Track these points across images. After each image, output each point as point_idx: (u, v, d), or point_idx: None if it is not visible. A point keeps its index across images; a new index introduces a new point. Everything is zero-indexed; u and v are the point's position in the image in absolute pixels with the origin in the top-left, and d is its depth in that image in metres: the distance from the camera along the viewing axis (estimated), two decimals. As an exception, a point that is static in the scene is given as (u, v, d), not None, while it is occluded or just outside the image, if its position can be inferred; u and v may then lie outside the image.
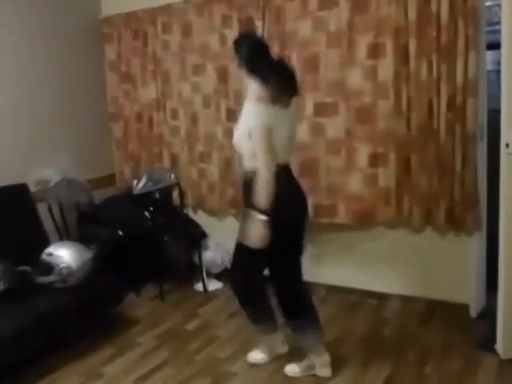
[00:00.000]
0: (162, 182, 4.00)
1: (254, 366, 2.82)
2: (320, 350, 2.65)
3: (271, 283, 2.66)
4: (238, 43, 2.55)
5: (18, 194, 3.46)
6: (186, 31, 3.85)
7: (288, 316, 2.65)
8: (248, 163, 2.45)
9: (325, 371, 2.65)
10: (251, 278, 2.66)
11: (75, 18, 4.09)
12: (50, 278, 2.98)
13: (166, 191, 4.06)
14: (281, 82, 2.43)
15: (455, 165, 3.06)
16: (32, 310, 2.76)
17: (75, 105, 4.06)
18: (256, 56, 2.47)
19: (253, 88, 2.42)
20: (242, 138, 2.44)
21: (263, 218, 2.30)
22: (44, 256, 3.04)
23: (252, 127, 2.35)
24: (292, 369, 2.71)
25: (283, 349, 2.84)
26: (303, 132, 3.47)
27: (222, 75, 3.75)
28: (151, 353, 2.99)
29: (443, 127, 3.05)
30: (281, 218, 2.35)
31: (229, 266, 2.80)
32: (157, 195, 3.99)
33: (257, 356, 2.85)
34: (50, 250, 3.07)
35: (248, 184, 2.43)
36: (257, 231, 2.34)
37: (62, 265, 2.99)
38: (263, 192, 2.30)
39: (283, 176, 2.40)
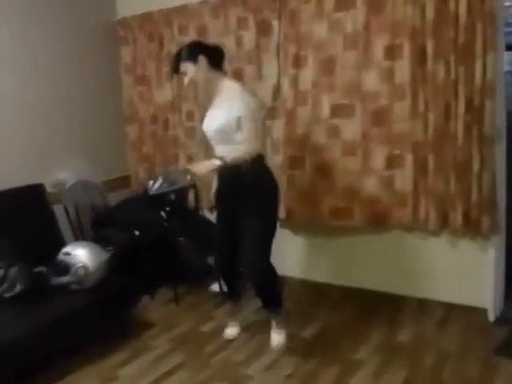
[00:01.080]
0: (177, 183, 4.00)
1: (269, 369, 2.81)
2: None
3: None
4: (195, 53, 2.75)
5: (35, 194, 3.48)
6: (202, 33, 3.85)
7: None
8: (228, 153, 2.69)
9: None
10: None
11: (91, 20, 4.12)
12: (66, 279, 2.99)
13: (182, 192, 4.05)
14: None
15: (473, 167, 3.02)
16: (48, 312, 2.77)
17: (91, 107, 4.09)
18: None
19: (230, 85, 2.80)
20: (228, 127, 2.69)
21: (218, 162, 2.68)
22: (61, 255, 3.05)
23: (246, 116, 2.65)
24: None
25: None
26: (319, 134, 3.46)
27: (238, 77, 3.73)
28: (166, 356, 2.99)
29: (461, 129, 3.01)
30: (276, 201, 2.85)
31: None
32: (172, 196, 3.98)
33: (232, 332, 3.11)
34: (67, 249, 3.09)
35: (228, 175, 2.78)
36: (208, 167, 2.75)
37: (79, 264, 3.00)
38: (234, 157, 2.66)
39: (265, 165, 2.84)
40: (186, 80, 2.81)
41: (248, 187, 2.76)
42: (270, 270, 2.91)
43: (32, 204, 3.43)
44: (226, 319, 3.25)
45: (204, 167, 2.78)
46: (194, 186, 4.05)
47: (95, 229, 3.90)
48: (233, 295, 3.24)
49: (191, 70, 2.76)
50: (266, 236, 2.86)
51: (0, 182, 3.27)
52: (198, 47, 2.81)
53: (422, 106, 3.13)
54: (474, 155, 3.01)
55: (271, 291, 2.97)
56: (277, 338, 3.01)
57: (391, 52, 3.17)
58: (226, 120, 2.70)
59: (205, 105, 2.98)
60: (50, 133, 3.78)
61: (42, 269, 3.03)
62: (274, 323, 3.03)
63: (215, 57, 2.80)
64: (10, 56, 3.50)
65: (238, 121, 2.67)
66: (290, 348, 2.98)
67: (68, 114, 3.91)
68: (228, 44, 3.73)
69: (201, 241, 4.01)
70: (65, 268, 3.01)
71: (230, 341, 3.13)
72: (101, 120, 4.18)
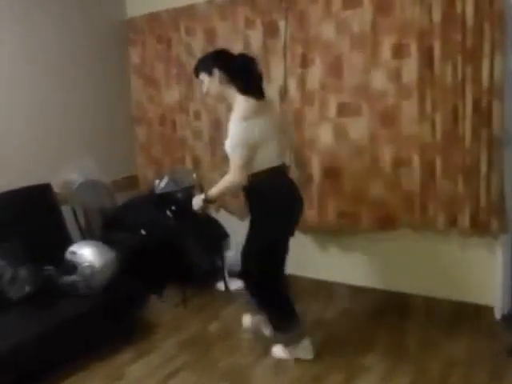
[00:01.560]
0: (184, 183, 4.02)
1: (277, 370, 2.81)
2: None
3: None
4: (211, 66, 2.73)
5: (42, 194, 3.50)
6: (210, 35, 3.85)
7: None
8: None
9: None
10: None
11: (101, 20, 4.14)
12: (74, 278, 3.01)
13: (188, 192, 4.07)
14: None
15: (480, 169, 3.00)
16: (55, 314, 2.81)
17: (100, 107, 4.11)
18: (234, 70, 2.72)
19: (239, 103, 2.69)
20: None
21: (203, 197, 2.81)
22: (67, 254, 3.08)
23: (233, 144, 2.67)
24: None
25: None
26: (326, 135, 3.45)
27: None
28: (173, 357, 3.00)
29: (468, 130, 2.99)
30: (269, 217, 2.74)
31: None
32: (179, 195, 4.00)
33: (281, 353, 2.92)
34: (73, 248, 3.11)
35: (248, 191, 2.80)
36: (197, 202, 2.83)
37: (86, 263, 3.03)
38: (221, 188, 2.77)
39: (273, 178, 2.74)
40: (203, 88, 2.83)
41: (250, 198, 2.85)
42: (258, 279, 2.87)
43: (40, 204, 3.45)
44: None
45: (195, 203, 2.86)
46: (200, 185, 4.08)
47: (103, 230, 3.91)
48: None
49: (206, 81, 2.78)
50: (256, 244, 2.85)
51: (8, 181, 3.30)
52: (216, 60, 2.76)
53: (429, 108, 3.11)
54: (482, 157, 2.99)
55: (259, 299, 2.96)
56: (275, 349, 2.96)
57: (398, 51, 3.15)
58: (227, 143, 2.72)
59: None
60: (59, 133, 3.81)
61: (50, 269, 3.05)
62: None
63: (235, 72, 2.71)
64: (21, 57, 3.53)
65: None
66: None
67: (77, 114, 3.94)
68: (236, 46, 3.73)
69: (207, 240, 4.03)
70: (72, 267, 3.03)
71: (238, 343, 3.13)
72: (110, 121, 4.21)
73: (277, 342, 2.93)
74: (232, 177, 2.70)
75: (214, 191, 2.78)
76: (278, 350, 2.93)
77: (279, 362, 2.90)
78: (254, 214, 2.84)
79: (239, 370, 2.84)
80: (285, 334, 2.86)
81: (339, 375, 2.74)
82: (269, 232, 2.77)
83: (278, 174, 2.79)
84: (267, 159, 2.72)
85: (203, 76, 2.78)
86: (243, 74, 2.72)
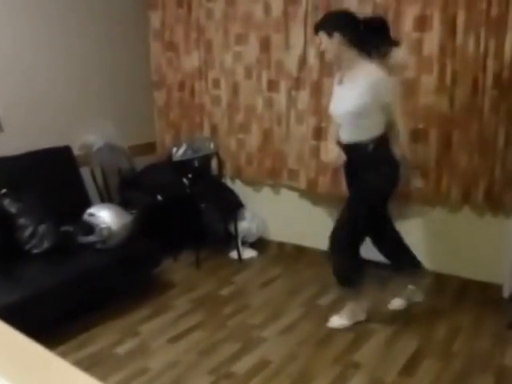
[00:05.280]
0: (201, 151, 4.06)
1: (283, 333, 2.90)
2: None
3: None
4: (332, 28, 2.70)
5: (62, 156, 3.57)
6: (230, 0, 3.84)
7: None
8: (356, 136, 2.76)
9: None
10: None
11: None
12: (91, 238, 3.10)
13: (205, 160, 4.11)
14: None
15: (497, 143, 2.99)
16: (73, 268, 2.91)
17: (120, 71, 4.13)
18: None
19: (367, 67, 2.69)
20: (359, 107, 2.66)
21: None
22: (85, 216, 3.16)
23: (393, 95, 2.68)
24: (337, 321, 2.95)
25: (363, 316, 3.00)
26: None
27: (265, 45, 3.73)
28: (185, 315, 3.10)
29: (487, 104, 2.97)
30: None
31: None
32: (196, 163, 4.05)
33: (338, 321, 2.96)
34: (91, 210, 3.19)
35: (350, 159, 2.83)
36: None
37: (103, 225, 3.11)
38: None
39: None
40: (321, 46, 2.82)
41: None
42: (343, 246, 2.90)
43: (60, 165, 3.53)
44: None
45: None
46: (217, 153, 4.12)
47: (121, 191, 3.99)
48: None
49: (324, 41, 2.75)
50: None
51: (30, 142, 3.37)
52: (338, 22, 2.73)
53: (449, 80, 3.09)
54: (500, 131, 2.98)
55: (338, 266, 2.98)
56: (335, 319, 2.99)
57: (421, 23, 3.12)
58: (358, 102, 2.66)
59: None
60: (80, 96, 3.85)
61: (68, 228, 3.14)
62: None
63: (357, 35, 2.70)
64: (41, 21, 3.55)
65: (390, 107, 2.68)
66: (305, 314, 3.07)
67: (97, 78, 3.96)
68: (256, 11, 3.72)
69: (222, 208, 4.09)
70: (89, 228, 3.12)
71: (247, 305, 3.22)
72: (129, 85, 4.23)
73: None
74: (403, 131, 2.74)
75: (404, 153, 2.78)
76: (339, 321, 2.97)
77: (288, 323, 2.98)
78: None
79: (248, 330, 2.93)
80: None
81: (347, 336, 2.84)
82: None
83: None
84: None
85: (322, 35, 2.74)
86: (365, 40, 2.71)
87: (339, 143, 2.92)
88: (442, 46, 3.07)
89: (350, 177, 2.98)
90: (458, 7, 2.97)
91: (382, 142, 2.75)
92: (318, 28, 2.78)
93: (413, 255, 3.06)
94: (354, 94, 2.68)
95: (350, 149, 2.84)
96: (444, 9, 3.02)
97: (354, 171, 2.88)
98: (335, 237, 2.89)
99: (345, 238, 2.86)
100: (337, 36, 2.70)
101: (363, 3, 3.29)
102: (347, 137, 2.82)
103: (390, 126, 2.77)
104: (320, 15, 3.39)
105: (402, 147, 2.76)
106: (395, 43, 2.76)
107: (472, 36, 2.97)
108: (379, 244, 3.07)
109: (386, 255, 3.09)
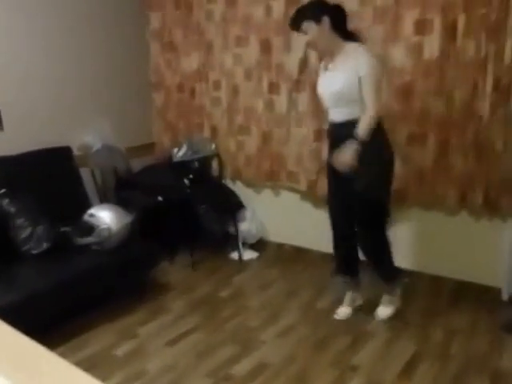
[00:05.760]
0: (201, 152, 4.06)
1: (282, 335, 2.89)
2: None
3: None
4: (319, 13, 2.65)
5: (63, 156, 3.57)
6: (231, 1, 3.83)
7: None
8: (345, 115, 2.70)
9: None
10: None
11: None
12: (90, 239, 3.09)
13: (206, 161, 4.11)
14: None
15: (495, 148, 3.00)
16: (71, 269, 2.90)
17: (118, 72, 4.13)
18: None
19: (352, 45, 2.68)
20: (349, 86, 2.63)
21: (356, 146, 2.60)
22: (86, 217, 3.15)
23: (372, 77, 2.61)
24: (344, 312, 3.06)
25: (361, 300, 3.12)
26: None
27: (266, 47, 3.73)
28: (184, 317, 3.10)
29: (486, 108, 2.98)
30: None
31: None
32: (196, 164, 4.05)
33: (345, 311, 3.06)
34: (91, 211, 3.18)
35: (341, 136, 2.69)
36: (350, 153, 2.61)
37: (103, 226, 3.10)
38: (366, 125, 2.61)
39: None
40: (306, 39, 2.73)
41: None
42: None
43: (59, 166, 3.52)
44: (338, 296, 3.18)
45: (348, 156, 2.62)
46: (217, 155, 4.12)
47: (118, 192, 3.98)
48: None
49: (313, 31, 2.65)
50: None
51: (30, 143, 3.36)
52: (323, 7, 2.67)
53: (448, 83, 3.09)
54: (498, 135, 2.98)
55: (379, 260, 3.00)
56: (382, 310, 3.04)
57: (421, 27, 3.12)
58: (348, 81, 2.63)
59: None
60: (78, 97, 3.85)
61: (67, 229, 3.13)
62: (384, 295, 3.07)
63: (338, 18, 2.69)
64: (39, 21, 3.54)
65: (362, 81, 2.61)
66: (304, 316, 3.07)
67: (95, 79, 3.96)
68: (257, 13, 3.71)
69: (222, 209, 4.09)
70: (89, 229, 3.11)
71: (246, 307, 3.21)
72: (127, 86, 4.22)
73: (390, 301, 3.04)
74: (373, 111, 2.60)
75: (362, 130, 2.60)
76: (387, 311, 3.03)
77: (286, 326, 2.97)
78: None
79: (247, 333, 2.92)
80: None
81: (345, 339, 2.83)
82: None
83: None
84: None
85: (308, 25, 2.64)
86: (345, 21, 2.72)
87: (331, 126, 2.86)
88: (442, 50, 3.07)
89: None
90: (459, 11, 2.98)
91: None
92: (300, 21, 2.67)
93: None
94: (346, 74, 2.64)
95: (344, 127, 2.71)
96: (444, 13, 3.03)
97: None
98: (372, 239, 2.89)
99: (384, 234, 2.89)
100: (325, 20, 2.64)
101: (364, 6, 3.29)
102: (340, 116, 2.75)
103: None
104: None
105: (362, 127, 2.62)
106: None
107: (472, 40, 2.97)
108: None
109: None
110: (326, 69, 2.82)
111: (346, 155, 2.62)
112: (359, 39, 2.75)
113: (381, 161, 2.76)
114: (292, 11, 3.51)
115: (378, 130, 2.68)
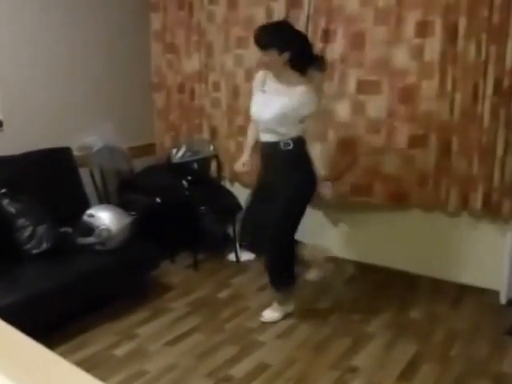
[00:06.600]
0: (200, 153, 4.06)
1: (281, 336, 2.89)
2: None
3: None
4: (285, 46, 2.70)
5: (63, 157, 3.56)
6: (232, 2, 3.83)
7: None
8: (278, 136, 2.81)
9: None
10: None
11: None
12: (90, 240, 3.09)
13: (204, 162, 4.11)
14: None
15: (496, 150, 3.00)
16: (72, 269, 2.90)
17: (120, 73, 4.12)
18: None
19: (300, 79, 2.78)
20: (289, 114, 2.74)
21: (329, 181, 2.88)
22: (85, 217, 3.14)
23: (315, 113, 2.78)
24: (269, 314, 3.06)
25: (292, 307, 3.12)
26: (344, 110, 3.45)
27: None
28: (183, 318, 3.09)
29: (487, 111, 2.98)
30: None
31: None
32: (195, 165, 4.05)
33: (272, 315, 3.06)
34: (91, 211, 3.18)
35: (272, 154, 2.86)
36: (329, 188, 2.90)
37: (102, 227, 3.09)
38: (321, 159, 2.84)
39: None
40: (263, 59, 2.79)
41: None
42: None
43: (59, 166, 3.52)
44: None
45: (327, 192, 2.92)
46: (216, 156, 4.12)
47: (120, 193, 3.98)
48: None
49: (273, 56, 2.72)
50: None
51: (30, 143, 3.36)
52: (291, 40, 2.73)
53: (449, 86, 3.10)
54: (499, 138, 2.99)
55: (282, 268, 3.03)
56: (268, 313, 3.08)
57: (422, 29, 3.13)
58: (282, 111, 2.73)
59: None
60: (79, 98, 3.84)
61: (67, 229, 3.13)
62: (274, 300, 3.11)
63: (300, 54, 2.74)
64: (42, 21, 3.54)
65: (304, 116, 2.75)
66: (303, 317, 3.07)
67: (97, 79, 3.95)
68: (258, 15, 3.72)
69: (220, 210, 4.08)
70: (89, 229, 3.10)
71: (245, 308, 3.21)
72: (129, 87, 4.22)
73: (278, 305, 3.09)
74: (318, 143, 2.82)
75: (322, 167, 2.83)
76: (274, 315, 3.07)
77: (286, 327, 2.97)
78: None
79: (246, 334, 2.92)
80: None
81: (345, 340, 2.83)
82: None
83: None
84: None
85: (272, 52, 2.70)
86: (307, 54, 2.79)
87: (258, 144, 2.98)
88: (443, 52, 3.08)
89: (270, 178, 2.94)
90: (460, 13, 2.99)
91: (302, 142, 2.82)
92: (268, 45, 2.71)
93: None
94: (287, 101, 2.73)
95: (271, 147, 2.86)
96: (446, 15, 3.04)
97: (275, 171, 2.89)
98: (280, 234, 2.93)
99: (290, 235, 2.94)
100: (286, 55, 2.71)
101: (365, 8, 3.30)
102: (269, 138, 2.85)
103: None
104: (321, 19, 3.43)
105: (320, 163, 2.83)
106: (324, 69, 2.86)
107: (473, 42, 2.98)
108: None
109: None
110: (263, 90, 2.86)
111: (327, 188, 2.89)
112: (322, 64, 2.83)
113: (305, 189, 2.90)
114: (293, 13, 3.57)
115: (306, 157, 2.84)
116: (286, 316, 3.07)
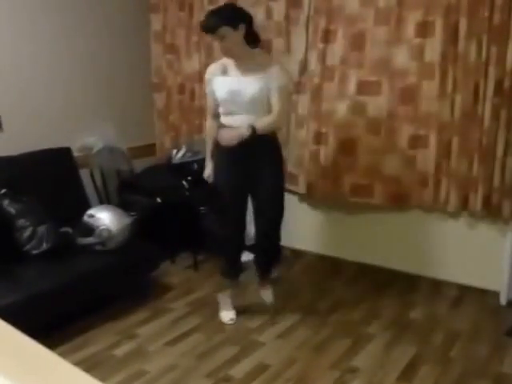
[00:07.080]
0: (200, 154, 4.05)
1: (281, 337, 2.89)
2: None
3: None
4: (237, 19, 2.69)
5: (62, 157, 3.56)
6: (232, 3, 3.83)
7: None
8: (247, 121, 2.71)
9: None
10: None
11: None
12: (91, 240, 3.09)
13: (204, 163, 4.10)
14: None
15: (497, 151, 3.00)
16: (72, 269, 2.90)
17: (120, 73, 4.12)
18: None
19: (263, 54, 2.86)
20: (261, 95, 2.73)
21: (246, 131, 2.66)
22: (85, 217, 3.14)
23: (286, 89, 2.78)
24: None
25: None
26: (344, 110, 3.45)
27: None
28: (183, 318, 3.09)
29: (488, 112, 2.98)
30: None
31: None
32: (195, 166, 4.04)
33: (231, 315, 3.10)
34: (91, 212, 3.18)
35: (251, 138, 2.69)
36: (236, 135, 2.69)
37: (102, 227, 3.10)
38: (265, 125, 2.74)
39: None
40: (222, 44, 2.71)
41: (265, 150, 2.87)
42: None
43: (59, 167, 3.52)
44: (224, 301, 3.15)
45: (235, 134, 2.69)
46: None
47: (120, 193, 3.98)
48: (237, 272, 3.24)
49: (231, 37, 2.67)
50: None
51: (30, 143, 3.36)
52: (240, 13, 2.73)
53: (450, 86, 3.09)
54: (500, 139, 2.98)
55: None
56: (267, 294, 3.21)
57: (423, 29, 3.13)
58: (261, 90, 2.72)
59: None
60: (80, 98, 3.84)
61: (67, 229, 3.13)
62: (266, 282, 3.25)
63: (251, 26, 2.75)
64: (41, 23, 3.54)
65: (274, 92, 2.71)
66: (303, 318, 3.07)
67: (97, 80, 3.96)
68: (257, 15, 3.70)
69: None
70: (89, 229, 3.11)
71: (245, 308, 3.21)
72: (129, 87, 4.22)
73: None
74: (277, 118, 2.77)
75: (261, 123, 2.71)
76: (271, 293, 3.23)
77: (286, 328, 2.97)
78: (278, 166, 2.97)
79: (246, 334, 2.92)
80: None
81: (345, 340, 2.83)
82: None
83: None
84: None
85: (226, 30, 2.64)
86: (255, 29, 2.80)
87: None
88: (443, 53, 3.07)
89: (247, 164, 2.86)
90: (461, 14, 2.98)
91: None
92: (217, 25, 2.64)
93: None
94: (267, 76, 2.70)
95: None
96: (446, 15, 3.03)
97: (253, 156, 2.80)
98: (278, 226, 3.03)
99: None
100: (242, 27, 2.68)
101: (365, 8, 3.30)
102: (246, 119, 2.73)
103: None
104: (321, 19, 3.43)
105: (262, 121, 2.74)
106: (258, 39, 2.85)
107: (474, 43, 2.97)
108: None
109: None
110: (238, 74, 2.79)
111: (235, 133, 2.69)
112: (264, 48, 2.85)
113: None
114: (292, 13, 3.57)
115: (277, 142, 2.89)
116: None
